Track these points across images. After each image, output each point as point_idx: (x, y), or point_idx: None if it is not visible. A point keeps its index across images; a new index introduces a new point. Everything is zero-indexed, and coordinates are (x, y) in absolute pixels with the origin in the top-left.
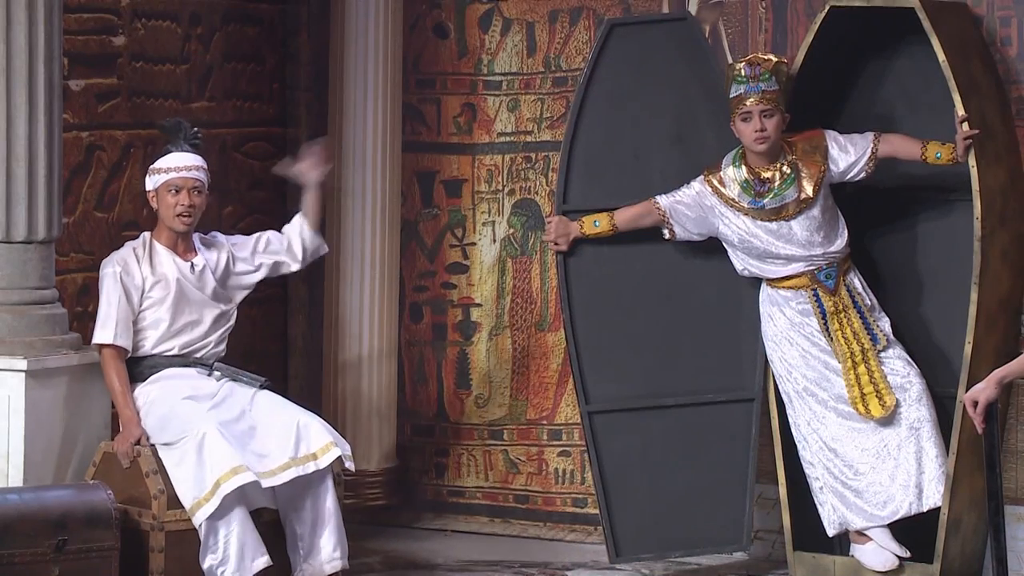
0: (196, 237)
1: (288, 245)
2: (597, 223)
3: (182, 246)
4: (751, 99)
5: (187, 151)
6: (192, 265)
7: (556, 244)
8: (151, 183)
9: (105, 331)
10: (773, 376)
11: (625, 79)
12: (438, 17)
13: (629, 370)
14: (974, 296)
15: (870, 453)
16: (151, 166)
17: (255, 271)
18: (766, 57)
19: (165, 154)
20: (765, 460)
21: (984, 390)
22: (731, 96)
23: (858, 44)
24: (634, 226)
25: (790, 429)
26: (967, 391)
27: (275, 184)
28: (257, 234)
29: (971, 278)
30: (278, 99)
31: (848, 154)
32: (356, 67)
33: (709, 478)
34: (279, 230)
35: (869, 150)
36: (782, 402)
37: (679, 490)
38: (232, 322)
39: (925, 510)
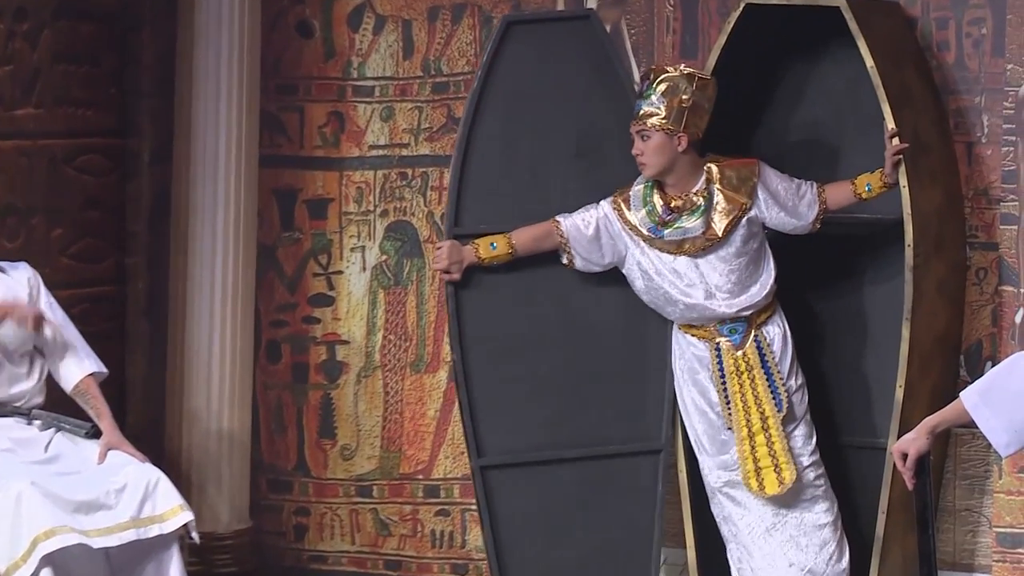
0: None
1: (58, 369)
2: (494, 246)
3: None
4: (633, 119)
5: None
6: None
7: (448, 272)
8: None
9: None
10: (682, 422)
11: (522, 85)
12: (301, 13)
13: (525, 418)
14: (905, 333)
15: (757, 533)
16: None
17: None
18: (661, 69)
19: None
20: (672, 520)
21: (914, 441)
22: None
23: (778, 47)
24: (535, 249)
25: (701, 482)
26: (897, 441)
27: (113, 204)
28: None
29: (902, 313)
30: (116, 106)
31: (782, 201)
32: (207, 70)
33: (611, 540)
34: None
35: (817, 207)
36: (692, 452)
37: (578, 554)
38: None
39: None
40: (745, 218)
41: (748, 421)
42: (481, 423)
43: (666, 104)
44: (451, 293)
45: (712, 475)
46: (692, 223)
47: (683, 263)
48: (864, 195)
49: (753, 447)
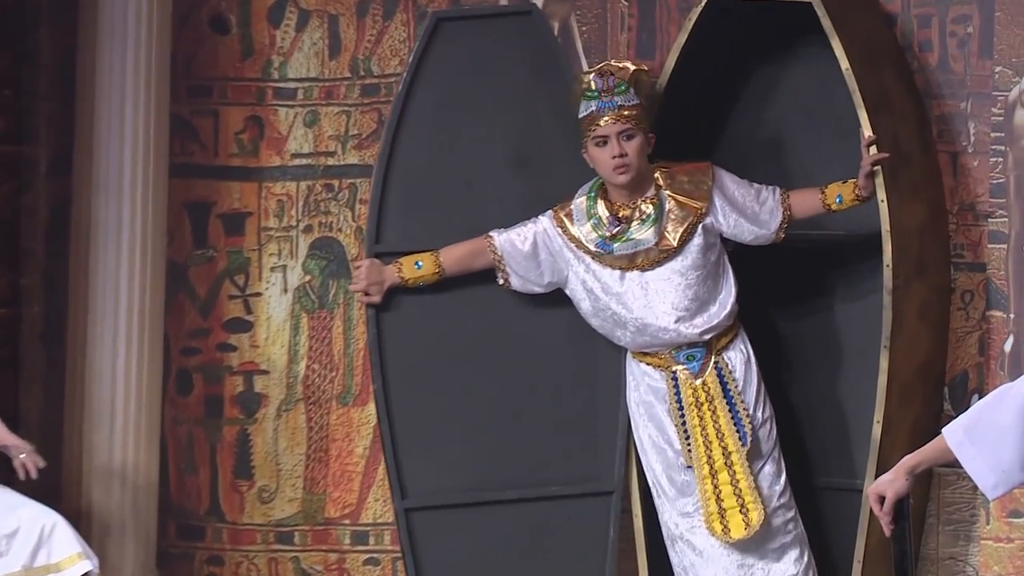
0: None
1: None
2: (419, 264)
3: None
4: (605, 118)
5: None
6: None
7: (367, 295)
8: None
9: None
10: (637, 459)
11: (455, 88)
12: (216, 7)
13: (457, 455)
14: (883, 363)
15: None
16: None
17: None
18: (621, 65)
19: None
20: (626, 571)
21: (892, 482)
22: (581, 116)
23: (743, 47)
24: (465, 268)
25: (658, 528)
26: (873, 483)
27: (5, 218)
28: None
29: (880, 340)
30: (10, 109)
31: (740, 206)
32: (111, 70)
33: None
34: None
35: (780, 214)
36: (649, 494)
37: None
38: None
39: None
40: (701, 225)
41: (710, 457)
42: (406, 460)
43: (641, 100)
44: (372, 317)
45: (672, 521)
46: (643, 234)
47: (634, 279)
48: (834, 207)
49: (716, 486)
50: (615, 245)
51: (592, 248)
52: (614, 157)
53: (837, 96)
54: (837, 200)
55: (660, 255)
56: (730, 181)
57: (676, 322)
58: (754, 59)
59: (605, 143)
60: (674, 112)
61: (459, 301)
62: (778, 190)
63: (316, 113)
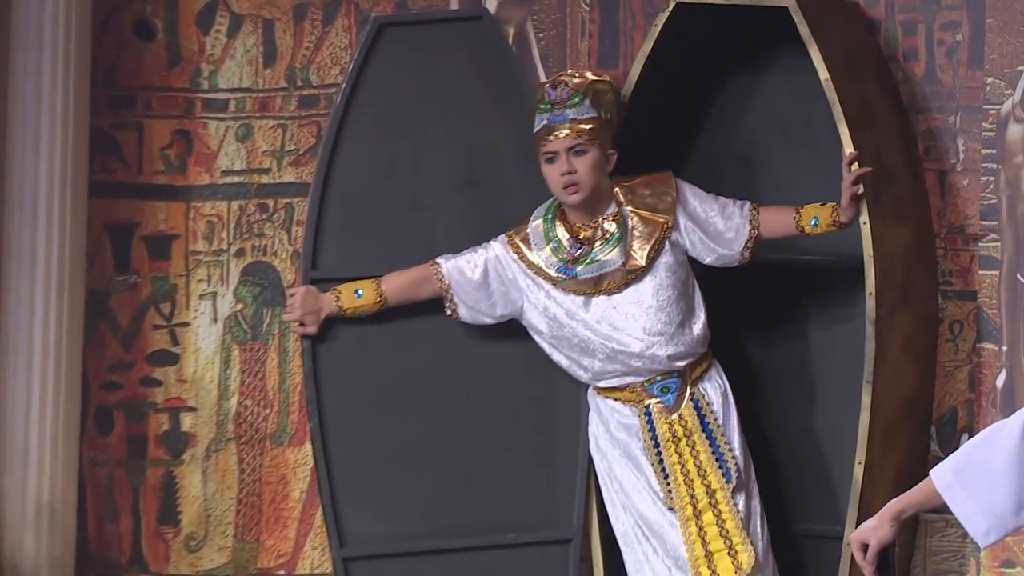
0: None
1: None
2: (359, 293)
3: None
4: (555, 132)
5: None
6: None
7: (302, 325)
8: None
9: None
10: (599, 504)
11: (400, 100)
12: (140, 11)
13: (401, 500)
14: (866, 399)
15: None
16: None
17: None
18: (577, 75)
19: None
20: None
21: (876, 529)
22: (535, 131)
23: (714, 56)
24: (410, 297)
25: None
26: (856, 529)
27: None
28: None
29: (862, 375)
30: None
31: (703, 223)
32: (25, 78)
33: None
34: None
35: (747, 232)
36: (610, 542)
37: None
38: None
39: None
40: (668, 240)
41: (692, 497)
42: (345, 505)
43: (597, 115)
44: (308, 349)
45: (664, 564)
46: (608, 255)
47: (601, 304)
48: (808, 230)
49: (701, 528)
50: (578, 268)
51: (553, 274)
52: (563, 175)
53: (815, 109)
54: (812, 223)
55: (628, 276)
56: (691, 194)
57: (650, 348)
58: (726, 69)
59: (555, 159)
60: (639, 126)
61: (403, 332)
62: (747, 205)
63: (249, 126)
